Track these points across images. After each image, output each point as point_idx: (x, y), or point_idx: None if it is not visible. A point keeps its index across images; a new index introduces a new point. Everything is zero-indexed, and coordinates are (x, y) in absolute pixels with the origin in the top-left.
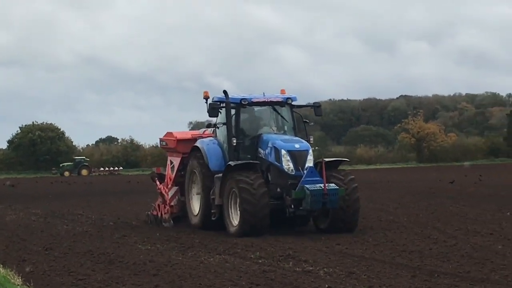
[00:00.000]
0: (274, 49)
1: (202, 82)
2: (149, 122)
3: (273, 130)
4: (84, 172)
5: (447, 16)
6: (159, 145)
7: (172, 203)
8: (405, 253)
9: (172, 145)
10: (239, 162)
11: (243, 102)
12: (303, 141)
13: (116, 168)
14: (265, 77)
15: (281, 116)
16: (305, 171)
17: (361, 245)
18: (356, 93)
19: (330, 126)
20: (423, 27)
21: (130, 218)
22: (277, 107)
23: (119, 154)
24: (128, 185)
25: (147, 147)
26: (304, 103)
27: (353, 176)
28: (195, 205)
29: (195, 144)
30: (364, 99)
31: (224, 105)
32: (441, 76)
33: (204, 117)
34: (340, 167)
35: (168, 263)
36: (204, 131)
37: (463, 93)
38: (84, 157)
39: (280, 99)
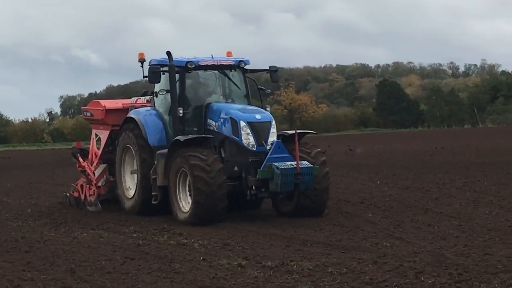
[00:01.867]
0: (140, 21)
1: (69, 55)
2: (18, 97)
3: (223, 99)
4: None
5: None
6: (82, 116)
7: (99, 184)
8: (279, 223)
9: (99, 116)
10: (190, 136)
11: (189, 66)
12: (264, 111)
13: None
14: (133, 50)
15: (233, 82)
16: (268, 146)
17: (235, 217)
18: None
19: None
20: None
21: None
22: (227, 71)
23: None
24: None
25: (17, 122)
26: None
27: (320, 149)
28: (130, 187)
29: (129, 115)
30: None
31: (166, 69)
32: (310, 48)
33: (75, 91)
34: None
35: (41, 240)
36: (137, 100)
37: (334, 64)
38: None
39: (231, 63)
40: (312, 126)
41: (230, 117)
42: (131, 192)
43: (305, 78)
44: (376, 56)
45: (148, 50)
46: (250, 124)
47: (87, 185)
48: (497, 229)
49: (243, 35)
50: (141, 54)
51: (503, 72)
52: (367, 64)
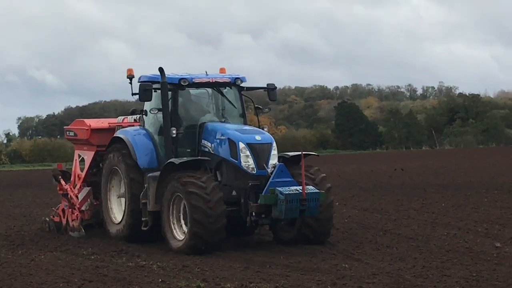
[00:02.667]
0: (97, 42)
1: (25, 76)
2: None
3: (217, 118)
4: None
5: (269, 10)
6: (64, 136)
7: (82, 208)
8: (238, 246)
9: (83, 135)
10: (185, 159)
11: (182, 83)
12: (264, 131)
13: None
14: (90, 71)
15: (228, 100)
16: (269, 169)
17: None
18: None
19: None
20: (246, 21)
21: None
22: (222, 89)
23: None
24: None
25: None
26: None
27: (324, 174)
28: (117, 211)
29: (117, 135)
30: None
31: (158, 86)
32: (268, 70)
33: (33, 112)
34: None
35: None
36: (123, 119)
37: (292, 86)
38: None
39: (227, 80)
40: None
41: (228, 138)
42: (118, 217)
43: (264, 100)
44: (335, 78)
45: (105, 71)
46: (250, 146)
47: (69, 209)
48: (455, 251)
49: (200, 56)
50: (129, 70)
51: (460, 94)
52: (326, 86)
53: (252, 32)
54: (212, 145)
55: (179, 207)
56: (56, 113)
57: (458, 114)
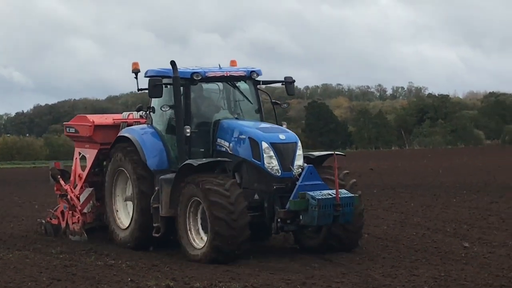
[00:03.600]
0: (64, 40)
1: None
2: None
3: (231, 114)
4: None
5: (237, 9)
6: (64, 132)
7: (84, 210)
8: None
9: (85, 132)
10: (204, 160)
11: (195, 77)
12: (288, 130)
13: None
14: (57, 69)
15: (243, 95)
16: (294, 171)
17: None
18: None
19: None
20: (214, 20)
21: None
22: (236, 83)
23: None
24: None
25: None
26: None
27: (355, 180)
28: (123, 215)
29: (123, 134)
30: None
31: (168, 81)
32: None
33: (2, 109)
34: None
35: None
36: (129, 114)
37: (263, 86)
38: None
39: (242, 73)
40: None
41: (248, 137)
42: (125, 222)
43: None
44: (305, 78)
45: (73, 69)
46: (274, 146)
47: (69, 212)
48: (424, 250)
49: (168, 55)
50: (135, 64)
51: (430, 94)
52: (296, 86)
53: (220, 31)
54: (230, 144)
55: (197, 212)
56: (25, 111)
57: (427, 115)
